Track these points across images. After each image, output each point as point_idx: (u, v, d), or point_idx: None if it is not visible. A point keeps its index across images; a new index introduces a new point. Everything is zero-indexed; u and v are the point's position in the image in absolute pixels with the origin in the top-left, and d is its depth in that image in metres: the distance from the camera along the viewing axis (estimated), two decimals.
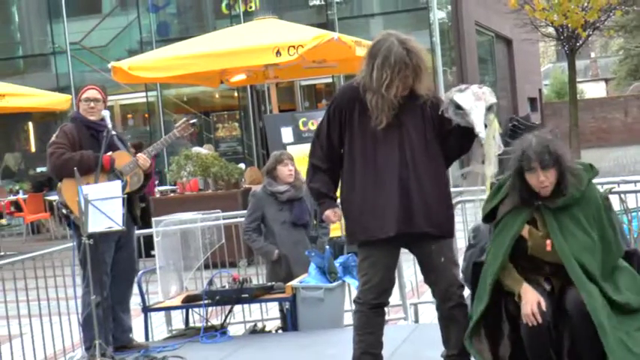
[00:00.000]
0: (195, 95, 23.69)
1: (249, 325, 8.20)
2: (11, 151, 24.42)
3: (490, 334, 4.95)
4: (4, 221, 19.51)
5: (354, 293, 5.51)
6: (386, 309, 5.40)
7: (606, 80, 59.94)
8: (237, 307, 7.85)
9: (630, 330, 4.66)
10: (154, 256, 7.79)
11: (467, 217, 8.16)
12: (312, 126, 11.08)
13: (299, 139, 11.26)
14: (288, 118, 11.88)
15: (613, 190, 7.00)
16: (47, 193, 18.71)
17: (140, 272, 7.50)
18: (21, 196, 19.67)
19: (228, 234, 8.44)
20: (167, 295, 7.68)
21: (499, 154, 5.14)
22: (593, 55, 62.27)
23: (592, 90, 57.14)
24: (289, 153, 8.05)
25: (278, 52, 11.29)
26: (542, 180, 4.75)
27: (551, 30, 26.72)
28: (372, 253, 5.15)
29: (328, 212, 5.27)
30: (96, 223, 6.36)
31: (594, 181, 5.03)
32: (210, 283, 7.30)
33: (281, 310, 7.74)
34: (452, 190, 5.51)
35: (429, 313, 7.88)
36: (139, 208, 7.18)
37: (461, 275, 5.35)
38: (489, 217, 5.06)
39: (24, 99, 16.62)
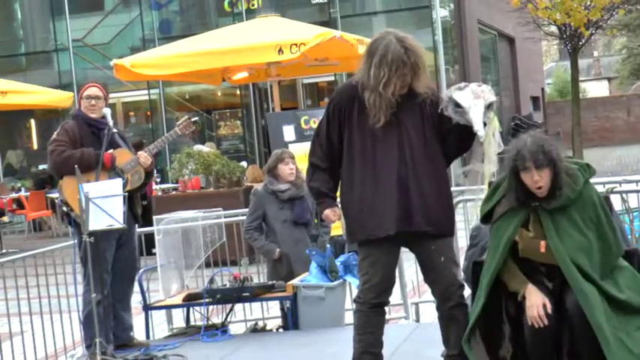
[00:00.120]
0: (197, 93, 23.69)
1: (249, 323, 8.19)
2: (13, 148, 24.42)
3: (490, 336, 4.94)
4: (5, 219, 19.50)
5: (355, 292, 5.50)
6: (387, 308, 5.39)
7: (609, 79, 59.91)
8: (238, 306, 7.84)
9: (630, 330, 4.65)
10: (155, 254, 7.78)
11: (468, 216, 8.14)
12: (314, 124, 11.06)
13: (301, 137, 11.25)
14: (290, 116, 11.86)
15: (615, 189, 6.98)
16: (49, 191, 18.70)
17: (141, 270, 7.49)
18: (23, 193, 19.67)
19: (229, 232, 8.44)
20: (168, 293, 7.67)
21: (499, 153, 5.12)
22: (595, 53, 62.25)
23: (595, 89, 57.12)
24: (290, 151, 8.04)
25: (280, 50, 11.27)
26: (537, 180, 4.74)
27: (553, 28, 26.69)
28: (372, 253, 5.14)
29: (327, 211, 5.26)
30: (97, 221, 6.35)
31: (596, 180, 5.01)
32: (211, 281, 7.30)
33: (282, 309, 7.73)
34: (453, 189, 5.50)
35: (430, 313, 7.87)
36: (140, 206, 7.18)
37: (462, 275, 5.34)
38: (487, 217, 5.05)
39: (26, 96, 16.63)
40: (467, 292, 5.28)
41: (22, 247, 15.10)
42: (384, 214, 5.05)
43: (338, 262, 7.23)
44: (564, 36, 25.29)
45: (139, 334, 7.45)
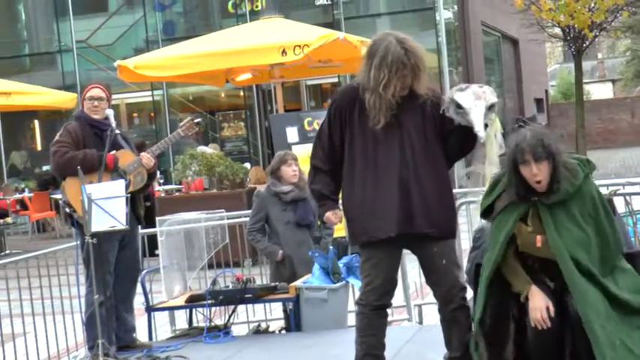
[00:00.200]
0: (200, 94, 23.71)
1: (252, 325, 8.18)
2: (17, 149, 24.45)
3: (494, 336, 4.93)
4: (9, 219, 19.52)
5: (358, 294, 5.50)
6: (389, 310, 5.39)
7: (613, 81, 59.85)
8: (241, 307, 7.84)
9: (631, 329, 4.64)
10: (157, 255, 7.78)
11: (471, 218, 8.12)
12: (318, 126, 11.00)
13: (304, 138, 11.23)
14: (294, 118, 11.85)
15: (618, 192, 6.96)
16: (53, 192, 18.71)
17: (144, 272, 7.49)
18: (27, 194, 19.70)
19: (232, 234, 8.43)
20: (171, 294, 7.67)
21: (501, 155, 5.11)
22: (600, 56, 62.19)
23: (599, 91, 57.06)
24: (293, 153, 8.04)
25: (284, 52, 11.26)
26: (536, 173, 4.73)
27: (557, 30, 26.69)
28: (374, 255, 5.14)
29: (329, 214, 5.26)
30: (99, 222, 6.35)
31: (600, 182, 4.99)
32: (214, 283, 7.30)
33: (284, 311, 7.72)
34: (457, 190, 5.49)
35: (433, 315, 7.85)
36: (143, 207, 7.17)
37: (464, 277, 5.33)
38: (487, 212, 5.04)
39: (30, 97, 16.65)
40: (469, 294, 5.26)
41: (26, 248, 15.11)
42: (385, 215, 5.04)
43: (341, 263, 7.23)
44: (568, 38, 25.28)
45: (141, 335, 7.44)
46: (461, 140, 5.16)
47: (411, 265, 7.21)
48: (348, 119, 5.16)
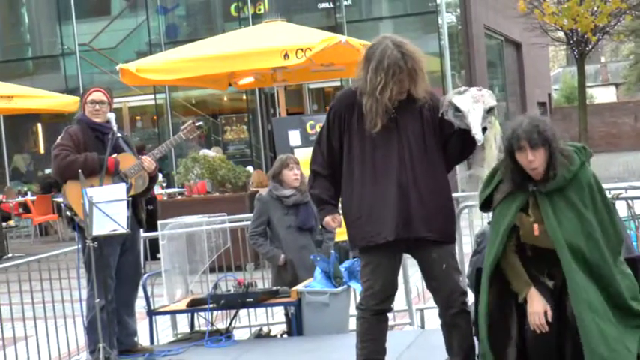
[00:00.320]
0: (203, 98, 23.72)
1: (254, 329, 8.18)
2: (20, 152, 24.48)
3: (496, 335, 4.91)
4: (12, 223, 19.55)
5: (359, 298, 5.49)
6: (391, 314, 5.38)
7: (616, 85, 59.84)
8: (243, 311, 7.83)
9: (628, 327, 4.63)
10: (159, 259, 7.78)
11: (473, 222, 8.10)
12: (320, 129, 11.04)
13: (306, 142, 11.22)
14: (296, 121, 11.84)
15: (620, 196, 6.93)
16: (56, 195, 18.73)
17: (145, 275, 7.48)
18: (29, 197, 19.72)
19: (234, 237, 8.42)
20: (172, 298, 7.66)
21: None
22: (603, 59, 62.22)
23: (602, 95, 57.05)
24: (295, 157, 8.02)
25: (286, 55, 11.26)
26: (531, 160, 4.71)
27: (560, 34, 26.69)
28: (373, 259, 5.13)
29: (328, 218, 5.25)
30: (100, 226, 6.35)
31: (602, 186, 4.96)
32: (216, 286, 7.29)
33: (286, 315, 7.71)
34: (459, 195, 5.47)
35: (436, 319, 7.83)
36: (144, 211, 7.17)
37: (465, 281, 5.32)
38: (486, 204, 5.01)
39: (33, 100, 16.65)
40: (470, 298, 5.25)
41: (28, 252, 15.11)
42: (384, 220, 5.03)
43: (342, 267, 7.22)
44: (571, 42, 25.29)
45: (143, 339, 7.43)
46: (461, 144, 5.15)
47: (412, 269, 7.19)
48: (346, 124, 5.16)
